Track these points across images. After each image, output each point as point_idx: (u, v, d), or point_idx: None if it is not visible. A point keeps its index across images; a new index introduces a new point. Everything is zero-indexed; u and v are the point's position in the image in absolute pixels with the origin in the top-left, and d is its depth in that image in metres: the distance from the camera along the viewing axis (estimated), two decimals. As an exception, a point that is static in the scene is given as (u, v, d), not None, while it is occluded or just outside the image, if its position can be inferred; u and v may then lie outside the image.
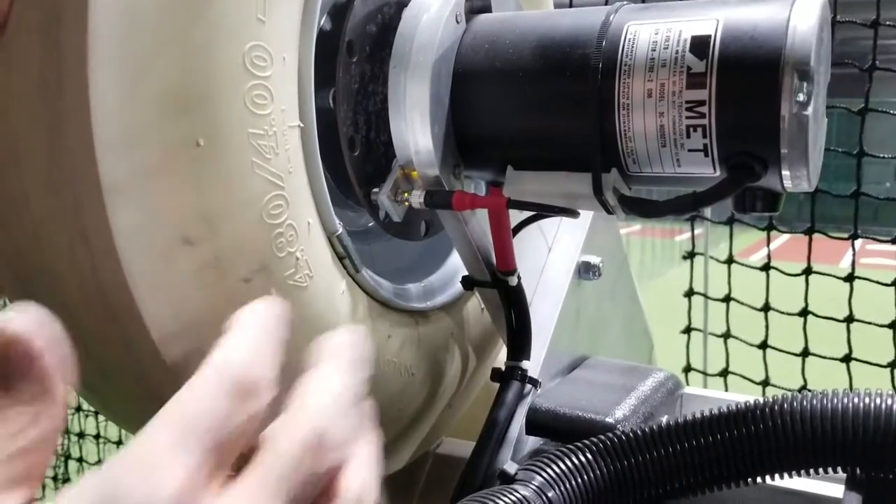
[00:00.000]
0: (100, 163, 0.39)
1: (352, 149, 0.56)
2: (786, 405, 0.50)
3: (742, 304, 1.65)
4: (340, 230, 0.52)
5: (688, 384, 1.57)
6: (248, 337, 0.35)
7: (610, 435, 0.52)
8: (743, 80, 0.46)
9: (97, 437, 2.66)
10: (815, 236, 1.53)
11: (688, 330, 1.79)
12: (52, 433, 0.32)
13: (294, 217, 0.47)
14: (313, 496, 0.34)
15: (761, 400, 0.51)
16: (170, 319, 0.43)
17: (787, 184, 0.48)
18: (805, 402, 0.49)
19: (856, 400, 0.48)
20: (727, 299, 1.69)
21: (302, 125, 0.48)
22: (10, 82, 0.40)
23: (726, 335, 1.71)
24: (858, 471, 0.50)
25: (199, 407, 0.32)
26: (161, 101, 0.40)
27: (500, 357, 0.66)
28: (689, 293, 1.78)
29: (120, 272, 0.41)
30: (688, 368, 1.75)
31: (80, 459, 2.71)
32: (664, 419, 0.54)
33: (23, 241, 0.43)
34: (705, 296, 2.00)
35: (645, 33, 0.49)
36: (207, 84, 0.42)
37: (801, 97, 0.46)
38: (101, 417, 2.50)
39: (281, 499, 0.32)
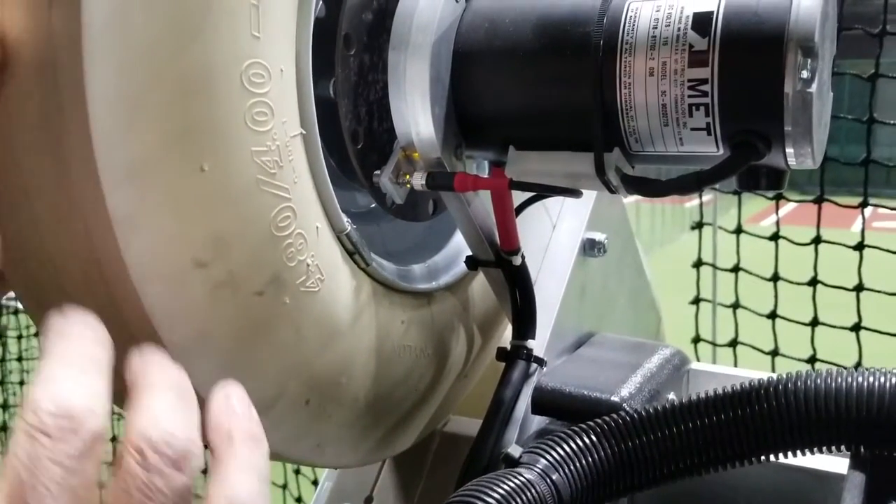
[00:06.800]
0: (106, 194, 0.39)
1: (355, 141, 0.55)
2: (790, 384, 0.50)
3: (751, 273, 1.64)
4: (349, 228, 0.52)
5: (697, 355, 1.57)
6: None
7: (615, 416, 0.52)
8: (746, 58, 0.46)
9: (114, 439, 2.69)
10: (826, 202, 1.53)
11: (696, 301, 1.79)
12: None
13: (302, 225, 0.47)
14: None
15: (765, 379, 0.51)
16: (188, 338, 0.43)
17: (792, 161, 0.48)
18: (809, 382, 0.49)
19: (860, 379, 0.48)
20: (736, 269, 1.69)
21: (304, 132, 0.48)
22: (11, 117, 0.40)
23: (735, 305, 1.71)
24: (863, 449, 0.50)
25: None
26: (162, 130, 0.40)
27: (507, 336, 0.66)
28: (698, 264, 1.78)
29: (136, 298, 0.41)
30: (696, 339, 1.75)
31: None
32: (670, 397, 0.54)
33: (40, 271, 0.43)
34: (714, 266, 1.99)
35: (646, 11, 0.49)
36: (207, 109, 0.41)
37: (804, 74, 0.45)
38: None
39: None
